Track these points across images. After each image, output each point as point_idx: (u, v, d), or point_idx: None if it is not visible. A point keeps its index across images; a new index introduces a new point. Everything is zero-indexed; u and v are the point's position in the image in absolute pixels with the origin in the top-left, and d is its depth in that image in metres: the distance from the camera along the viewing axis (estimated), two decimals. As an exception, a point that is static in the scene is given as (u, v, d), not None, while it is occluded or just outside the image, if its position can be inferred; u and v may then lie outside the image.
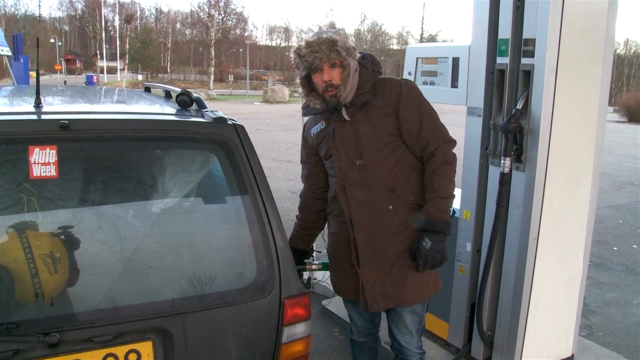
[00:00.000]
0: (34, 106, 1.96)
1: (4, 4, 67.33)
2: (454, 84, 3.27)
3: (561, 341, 3.25)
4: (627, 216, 7.99)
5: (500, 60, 2.94)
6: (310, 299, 4.40)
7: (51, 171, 1.76)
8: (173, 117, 2.15)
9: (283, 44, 78.23)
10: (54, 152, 1.76)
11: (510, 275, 3.00)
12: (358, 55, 2.47)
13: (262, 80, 59.64)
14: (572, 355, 3.33)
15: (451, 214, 2.45)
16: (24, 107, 2.21)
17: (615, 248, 6.44)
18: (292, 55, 2.41)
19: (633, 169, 12.52)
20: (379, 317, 2.77)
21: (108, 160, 1.98)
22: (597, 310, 4.65)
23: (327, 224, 2.70)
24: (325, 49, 2.30)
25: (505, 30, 2.89)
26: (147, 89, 3.24)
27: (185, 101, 2.22)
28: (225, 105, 31.84)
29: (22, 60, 15.95)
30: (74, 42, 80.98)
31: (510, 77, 2.90)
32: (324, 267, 2.73)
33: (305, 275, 2.81)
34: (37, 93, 1.96)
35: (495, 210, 2.93)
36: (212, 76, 54.71)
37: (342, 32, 2.44)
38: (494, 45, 2.97)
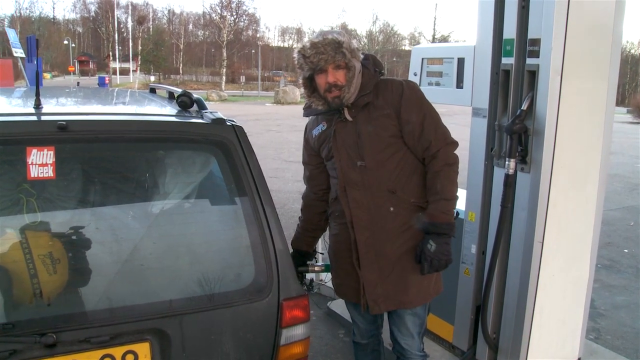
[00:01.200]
0: (33, 107, 1.97)
1: (19, 6, 68.10)
2: (459, 84, 3.25)
3: (567, 344, 3.21)
4: (639, 218, 7.90)
5: (505, 60, 2.91)
6: (316, 301, 4.43)
7: (49, 172, 1.76)
8: (171, 118, 2.15)
9: (295, 45, 77.98)
10: (51, 153, 1.77)
11: (515, 278, 2.97)
12: (361, 56, 2.46)
13: (275, 81, 59.71)
14: (579, 359, 3.29)
15: (455, 215, 2.44)
16: (23, 108, 2.22)
17: (626, 250, 6.37)
18: (295, 55, 2.39)
19: (646, 170, 12.39)
20: (381, 318, 2.76)
21: (106, 162, 1.99)
22: (605, 313, 4.59)
23: (328, 226, 2.69)
24: (330, 50, 2.28)
25: (510, 31, 2.87)
26: (152, 90, 3.26)
27: (185, 102, 2.22)
28: (236, 106, 31.97)
29: (35, 62, 16.04)
30: (87, 43, 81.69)
31: (516, 78, 2.87)
32: (327, 268, 2.72)
33: (308, 276, 2.80)
34: (37, 94, 1.98)
35: (499, 212, 2.90)
36: (224, 77, 54.75)
37: (346, 33, 2.42)
38: (499, 45, 2.94)
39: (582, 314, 3.22)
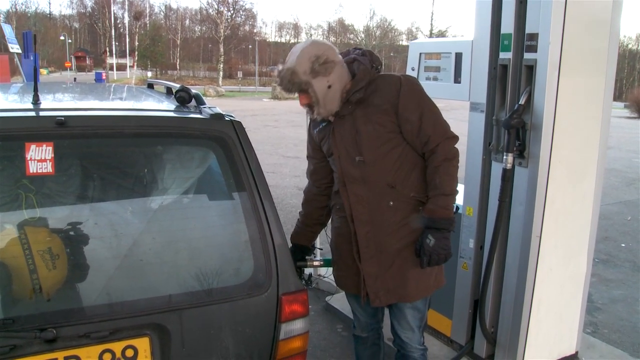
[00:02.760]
0: (32, 103, 1.97)
1: (15, 2, 67.84)
2: (457, 79, 3.25)
3: (565, 338, 3.23)
4: (636, 213, 7.92)
5: (503, 55, 2.91)
6: (314, 295, 4.44)
7: (47, 168, 1.77)
8: (169, 114, 2.15)
9: (292, 41, 78.06)
10: (50, 148, 1.77)
11: (513, 272, 2.99)
12: (357, 52, 2.46)
13: (272, 76, 59.50)
14: (576, 352, 3.31)
15: (454, 210, 2.44)
16: (21, 103, 2.22)
17: (623, 245, 6.39)
18: None
19: (643, 165, 12.41)
20: (381, 312, 2.77)
21: (105, 157, 1.99)
22: (603, 307, 4.61)
23: (330, 219, 2.70)
24: (287, 82, 2.33)
25: (508, 25, 2.87)
26: (150, 86, 3.25)
27: (183, 97, 2.22)
28: (233, 101, 31.91)
29: (32, 58, 15.98)
30: (83, 39, 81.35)
31: (513, 72, 2.88)
32: (326, 263, 2.73)
33: (307, 271, 2.81)
34: (35, 90, 1.97)
35: (497, 207, 2.91)
36: (221, 73, 54.64)
37: (321, 42, 2.39)
38: (496, 40, 2.94)
39: (580, 308, 3.24)
